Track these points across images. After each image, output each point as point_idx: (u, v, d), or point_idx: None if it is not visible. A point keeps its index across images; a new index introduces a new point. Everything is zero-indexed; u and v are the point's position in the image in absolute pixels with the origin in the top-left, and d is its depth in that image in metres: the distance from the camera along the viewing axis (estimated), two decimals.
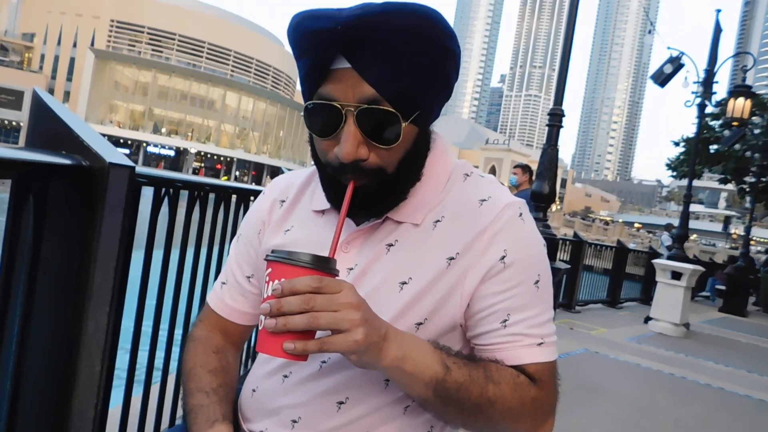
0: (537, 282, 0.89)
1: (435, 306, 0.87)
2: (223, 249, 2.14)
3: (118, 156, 0.99)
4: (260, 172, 71.86)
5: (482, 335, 0.89)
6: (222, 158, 70.06)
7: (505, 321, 0.87)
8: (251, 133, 72.56)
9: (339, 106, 0.80)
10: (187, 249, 1.82)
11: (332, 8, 0.80)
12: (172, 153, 67.39)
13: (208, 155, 69.37)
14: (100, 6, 68.92)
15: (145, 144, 65.23)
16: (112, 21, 69.22)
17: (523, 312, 0.87)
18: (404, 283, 0.87)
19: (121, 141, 62.24)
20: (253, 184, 64.41)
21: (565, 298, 8.31)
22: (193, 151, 66.65)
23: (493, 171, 65.69)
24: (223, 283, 1.09)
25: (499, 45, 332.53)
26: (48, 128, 1.05)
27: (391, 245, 0.90)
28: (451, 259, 0.87)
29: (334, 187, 0.88)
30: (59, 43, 68.68)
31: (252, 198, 2.30)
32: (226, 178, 67.68)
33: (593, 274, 9.56)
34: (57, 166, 0.93)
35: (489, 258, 0.86)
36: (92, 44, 66.62)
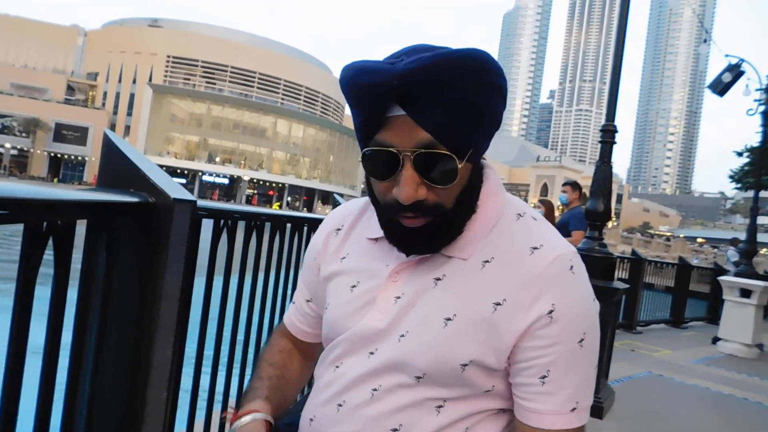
0: (581, 341, 0.88)
1: (478, 349, 0.87)
2: (279, 274, 2.20)
3: (181, 191, 1.05)
4: (311, 197, 72.99)
5: (520, 386, 0.89)
6: (274, 185, 71.53)
7: (544, 378, 0.87)
8: (302, 159, 73.92)
9: (396, 151, 0.84)
10: (245, 276, 1.88)
11: (384, 62, 0.84)
12: (226, 181, 69.30)
13: (261, 182, 70.95)
14: (157, 43, 72.13)
15: (200, 173, 67.35)
16: (168, 57, 72.19)
17: (563, 371, 0.87)
18: (449, 319, 0.88)
19: (178, 171, 64.43)
20: (305, 209, 65.40)
21: (625, 319, 8.04)
22: (246, 178, 68.31)
23: (545, 189, 64.65)
24: (293, 302, 1.21)
25: (547, 60, 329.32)
26: (117, 167, 1.11)
27: (438, 279, 0.92)
28: (498, 304, 0.87)
29: (391, 227, 0.91)
30: (120, 80, 72.09)
31: (305, 225, 2.37)
32: (278, 204, 69.00)
33: (655, 293, 9.21)
34: (127, 204, 0.99)
35: (536, 310, 0.86)
36: (150, 80, 69.58)
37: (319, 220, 2.69)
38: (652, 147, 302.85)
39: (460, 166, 0.85)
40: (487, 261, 0.91)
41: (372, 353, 0.93)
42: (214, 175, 68.68)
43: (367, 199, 1.07)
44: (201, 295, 1.67)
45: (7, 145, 65.54)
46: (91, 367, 1.04)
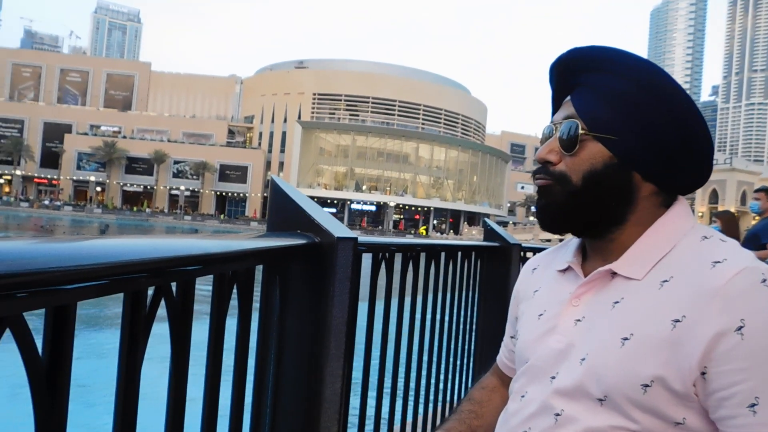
0: None
1: (658, 369, 0.83)
2: (436, 303, 2.22)
3: (343, 230, 1.12)
4: (457, 219, 73.01)
5: (726, 420, 0.81)
6: (419, 209, 72.63)
7: (754, 406, 0.78)
8: (445, 182, 74.43)
9: (552, 123, 0.98)
10: (404, 306, 1.93)
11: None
12: (373, 208, 71.65)
13: (407, 207, 72.38)
14: (303, 83, 77.16)
15: (348, 202, 70.26)
16: (314, 94, 76.82)
17: None
18: (626, 339, 0.87)
19: (328, 201, 67.72)
20: (451, 231, 65.41)
21: None
22: (392, 204, 70.08)
23: (714, 195, 58.88)
24: (503, 340, 1.25)
25: (705, 54, 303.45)
26: (285, 210, 1.20)
27: (616, 302, 0.91)
28: (677, 321, 0.83)
29: (537, 198, 1.01)
30: (273, 120, 77.91)
31: (459, 253, 2.38)
32: (424, 228, 69.83)
33: None
34: (296, 247, 1.06)
35: (720, 326, 0.80)
36: (299, 117, 74.41)
37: (472, 247, 2.60)
38: None
39: (582, 132, 0.92)
40: (666, 281, 0.88)
41: (553, 377, 0.94)
42: (362, 203, 71.28)
43: (563, 241, 1.14)
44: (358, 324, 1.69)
45: (182, 188, 73.45)
46: (270, 401, 1.10)
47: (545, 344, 0.97)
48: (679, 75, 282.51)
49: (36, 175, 75.87)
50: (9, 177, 75.20)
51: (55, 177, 74.72)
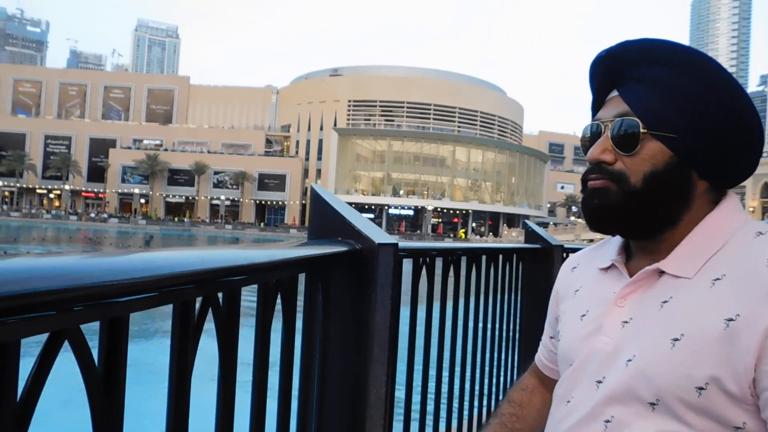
0: None
1: (712, 369, 0.79)
2: (478, 307, 2.22)
3: (384, 236, 1.14)
4: (496, 221, 72.35)
5: None
6: (458, 212, 72.20)
7: None
8: (483, 184, 73.83)
9: (600, 122, 0.93)
10: (446, 310, 1.94)
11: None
12: (411, 212, 71.53)
13: (445, 210, 72.03)
14: (338, 91, 77.68)
15: (386, 207, 70.34)
16: (349, 101, 77.21)
17: None
18: (676, 339, 0.83)
19: (366, 207, 67.93)
20: (491, 233, 64.83)
21: None
22: (430, 208, 69.84)
23: (766, 189, 56.71)
24: (542, 340, 1.24)
25: (752, 43, 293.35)
26: (325, 217, 1.22)
27: (665, 302, 0.88)
28: (730, 320, 0.80)
29: (583, 199, 0.96)
30: (309, 128, 78.61)
31: (500, 256, 2.38)
32: (463, 231, 69.38)
33: None
34: (338, 254, 1.07)
35: None
36: (335, 125, 74.89)
37: (513, 249, 2.57)
38: None
39: (642, 130, 0.87)
40: (718, 279, 0.84)
41: (600, 381, 0.91)
42: (400, 207, 71.27)
43: (603, 240, 1.10)
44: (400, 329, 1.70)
45: (222, 197, 74.75)
46: (315, 408, 1.12)
47: (590, 346, 0.94)
48: (725, 65, 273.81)
49: (83, 189, 78.33)
50: (59, 192, 77.80)
51: (102, 190, 77.01)
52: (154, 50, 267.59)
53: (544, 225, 63.35)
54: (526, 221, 3.11)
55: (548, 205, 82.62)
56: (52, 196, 78.92)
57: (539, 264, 2.73)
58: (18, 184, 76.11)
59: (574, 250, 3.02)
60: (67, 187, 76.88)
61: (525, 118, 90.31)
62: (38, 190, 78.42)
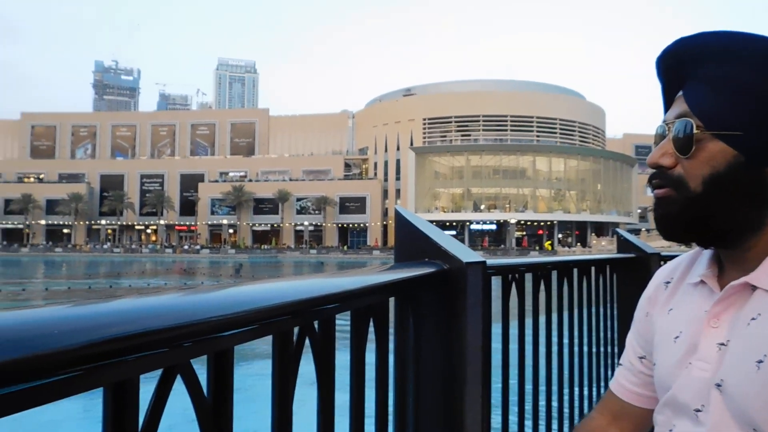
0: None
1: None
2: (572, 322, 2.16)
3: (471, 255, 1.13)
4: (583, 230, 69.98)
5: None
6: (542, 223, 70.47)
7: None
8: (567, 193, 71.78)
9: (664, 123, 0.89)
10: (539, 327, 1.88)
11: None
12: (493, 227, 70.51)
13: (528, 223, 70.49)
14: (413, 110, 78.28)
15: (468, 223, 69.70)
16: (424, 119, 77.54)
17: None
18: (760, 361, 0.77)
19: (447, 224, 67.57)
20: (578, 244, 62.73)
21: None
22: (513, 221, 68.60)
23: None
24: (620, 364, 1.13)
25: None
26: (411, 239, 1.23)
27: (753, 319, 0.81)
28: None
29: (654, 205, 0.92)
30: (386, 149, 79.52)
31: (592, 268, 2.30)
32: (549, 243, 67.57)
33: None
34: (426, 276, 1.08)
35: None
36: (411, 144, 75.32)
37: (606, 260, 2.44)
38: None
39: (697, 131, 0.82)
40: None
41: (699, 411, 0.84)
42: (481, 222, 70.45)
43: (697, 249, 1.02)
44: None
45: (306, 223, 76.73)
46: (412, 429, 1.11)
47: (686, 372, 0.88)
48: None
49: (177, 222, 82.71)
50: (155, 227, 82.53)
51: (193, 223, 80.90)
52: (235, 86, 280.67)
53: (636, 232, 60.53)
54: (617, 229, 2.97)
55: (639, 211, 78.98)
56: (149, 231, 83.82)
57: (634, 274, 2.58)
58: (119, 222, 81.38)
59: (673, 258, 2.86)
60: (162, 221, 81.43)
61: (607, 121, 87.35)
62: (137, 226, 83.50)
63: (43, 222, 79.54)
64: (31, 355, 0.38)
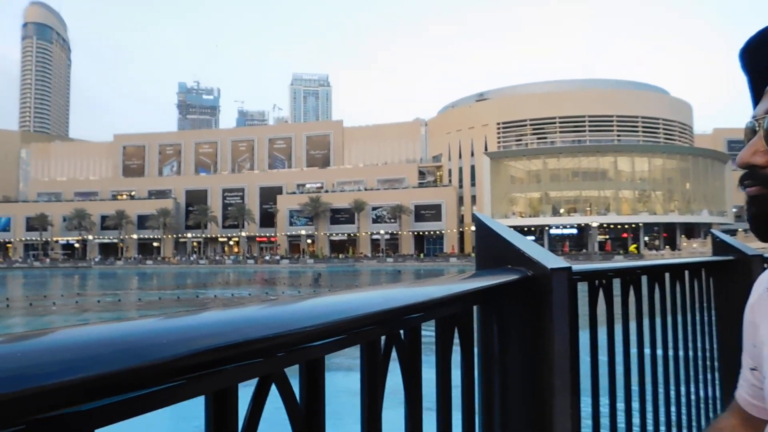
0: None
1: None
2: (666, 329, 2.05)
3: (556, 260, 1.11)
4: (672, 232, 66.68)
5: None
6: (626, 226, 67.72)
7: None
8: (653, 194, 68.69)
9: (754, 119, 0.83)
10: (629, 336, 1.80)
11: None
12: (574, 231, 68.44)
13: (611, 226, 67.92)
14: (486, 115, 77.49)
15: (547, 227, 67.99)
16: (498, 124, 76.54)
17: None
18: None
19: (525, 229, 66.17)
20: (667, 247, 59.78)
21: None
22: (594, 225, 66.28)
23: None
24: (741, 371, 1.09)
25: None
26: (493, 246, 1.21)
27: None
28: None
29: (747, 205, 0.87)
30: (460, 156, 79.06)
31: (686, 272, 2.20)
32: (634, 246, 64.80)
33: None
34: (510, 283, 1.06)
35: None
36: (485, 149, 74.48)
37: (700, 263, 2.27)
38: None
39: None
40: None
41: None
42: (561, 227, 68.53)
43: None
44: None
45: (382, 231, 77.31)
46: None
47: None
48: None
49: (257, 234, 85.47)
50: (237, 239, 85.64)
51: (273, 234, 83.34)
52: (309, 100, 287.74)
53: (732, 232, 56.97)
54: (711, 230, 2.77)
55: (734, 210, 74.22)
56: (231, 243, 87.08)
57: (734, 278, 2.40)
58: (203, 235, 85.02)
59: None
60: (243, 233, 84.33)
61: (695, 116, 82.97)
62: (220, 239, 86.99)
63: (135, 236, 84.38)
64: (146, 364, 0.40)
